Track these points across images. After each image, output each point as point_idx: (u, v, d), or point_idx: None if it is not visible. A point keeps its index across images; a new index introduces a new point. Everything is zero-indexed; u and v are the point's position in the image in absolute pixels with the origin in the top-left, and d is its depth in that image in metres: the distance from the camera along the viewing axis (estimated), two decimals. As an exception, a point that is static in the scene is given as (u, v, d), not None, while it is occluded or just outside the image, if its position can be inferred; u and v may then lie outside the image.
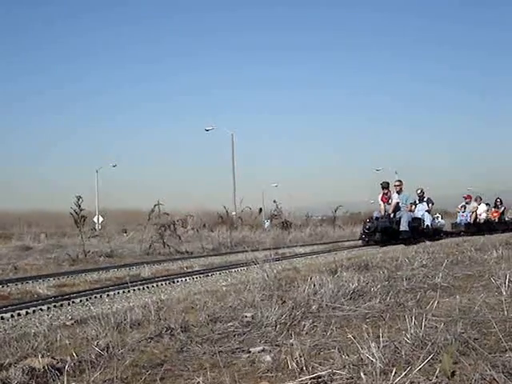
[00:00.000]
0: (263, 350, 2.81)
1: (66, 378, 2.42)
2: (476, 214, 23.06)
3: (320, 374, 2.27)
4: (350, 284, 4.42)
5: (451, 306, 3.60)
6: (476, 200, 23.96)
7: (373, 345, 2.44)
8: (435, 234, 19.09)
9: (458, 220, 23.32)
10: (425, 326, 2.79)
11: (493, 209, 24.72)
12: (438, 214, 22.22)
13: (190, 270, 8.73)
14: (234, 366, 2.61)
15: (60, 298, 5.74)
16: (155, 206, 15.69)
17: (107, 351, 2.89)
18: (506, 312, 3.27)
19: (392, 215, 16.58)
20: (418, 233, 17.29)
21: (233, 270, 8.34)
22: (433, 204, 20.14)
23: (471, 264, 6.23)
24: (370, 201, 33.47)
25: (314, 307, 3.80)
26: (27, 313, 4.84)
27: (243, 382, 2.36)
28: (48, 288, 6.98)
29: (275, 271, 5.76)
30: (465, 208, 23.12)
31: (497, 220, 24.14)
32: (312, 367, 2.39)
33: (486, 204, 24.38)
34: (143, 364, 2.70)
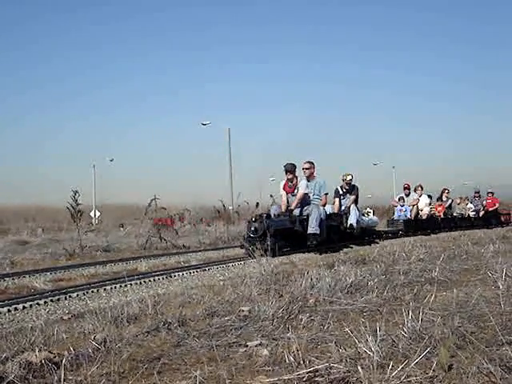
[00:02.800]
0: (260, 344, 2.81)
1: (63, 372, 2.41)
2: (417, 209, 17.75)
3: (317, 367, 2.27)
4: (347, 278, 4.43)
5: (448, 299, 3.61)
6: (416, 190, 18.44)
7: (370, 338, 2.44)
8: (364, 235, 13.78)
9: (395, 216, 17.82)
10: (422, 319, 2.80)
11: (436, 202, 20.11)
12: (368, 209, 17.60)
13: (187, 265, 8.74)
14: (231, 360, 2.61)
15: (57, 292, 5.73)
16: (152, 200, 15.64)
17: (104, 345, 2.89)
18: (502, 306, 3.28)
19: (298, 211, 10.99)
20: (339, 235, 12.24)
21: (230, 265, 8.33)
22: (357, 196, 13.99)
23: (468, 258, 6.25)
24: (367, 195, 33.45)
25: (311, 301, 3.81)
26: (24, 307, 4.83)
27: (240, 375, 2.36)
28: (45, 282, 6.98)
29: (272, 265, 5.77)
30: (404, 200, 17.77)
31: (442, 216, 19.38)
32: (309, 361, 2.40)
33: (428, 196, 19.17)
34: (140, 358, 2.69)
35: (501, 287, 3.85)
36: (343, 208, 13.44)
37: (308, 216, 10.69)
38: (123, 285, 5.92)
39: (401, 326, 2.79)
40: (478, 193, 23.05)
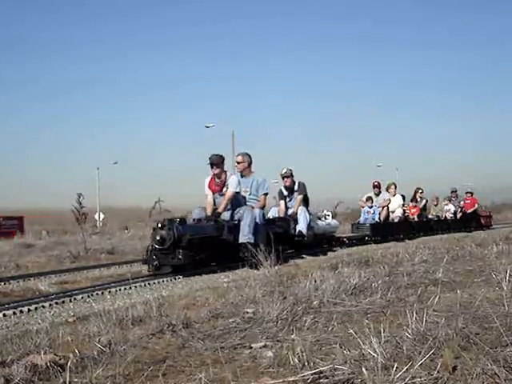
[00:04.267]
0: (265, 346, 2.82)
1: (68, 375, 2.42)
2: (388, 210, 15.06)
3: (321, 369, 2.27)
4: (351, 280, 4.43)
5: (452, 301, 3.60)
6: (389, 189, 15.87)
7: (374, 340, 2.44)
8: (318, 242, 11.48)
9: (361, 219, 15.07)
10: (426, 321, 2.80)
11: (410, 203, 17.43)
12: (326, 212, 13.79)
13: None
14: (235, 361, 2.62)
15: (62, 294, 5.74)
16: (156, 202, 15.69)
17: (109, 348, 2.90)
18: (506, 307, 3.27)
19: (228, 215, 8.68)
20: (285, 244, 9.67)
21: (234, 266, 8.32)
22: (305, 196, 11.25)
23: (472, 259, 6.24)
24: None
25: (315, 303, 3.81)
26: (29, 310, 4.85)
27: (245, 377, 2.36)
28: (50, 285, 6.99)
29: (276, 267, 5.77)
30: (372, 201, 14.98)
31: (416, 218, 16.86)
32: (313, 363, 2.40)
33: (402, 196, 16.57)
34: (145, 360, 2.70)
35: (505, 288, 3.84)
36: (290, 212, 10.82)
37: (240, 221, 8.32)
38: (128, 287, 5.93)
39: (405, 327, 2.79)
40: (455, 192, 20.35)
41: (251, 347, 2.82)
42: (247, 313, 3.56)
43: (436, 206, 19.04)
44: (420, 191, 18.10)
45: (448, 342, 2.50)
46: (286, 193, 11.20)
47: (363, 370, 2.18)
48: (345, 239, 12.84)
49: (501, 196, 48.03)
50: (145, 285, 6.43)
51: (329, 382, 2.19)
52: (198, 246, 7.63)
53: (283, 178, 11.13)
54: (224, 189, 8.60)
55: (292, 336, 2.89)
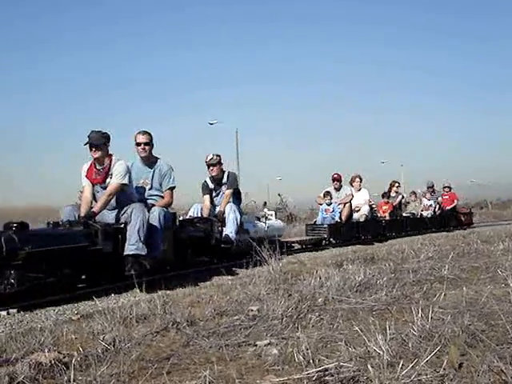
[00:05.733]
0: (269, 344, 2.81)
1: (72, 373, 2.42)
2: (350, 208, 12.48)
3: (327, 366, 2.26)
4: (356, 277, 4.42)
5: (458, 298, 3.59)
6: (353, 183, 13.49)
7: (380, 337, 2.43)
8: (246, 249, 7.95)
9: (318, 219, 12.56)
10: (432, 318, 2.79)
11: (381, 199, 15.17)
12: (267, 211, 11.60)
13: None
14: (240, 359, 2.61)
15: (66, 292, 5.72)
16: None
17: (113, 346, 2.89)
18: (513, 303, 3.26)
19: (112, 215, 6.18)
20: (206, 253, 7.70)
21: (238, 264, 8.30)
22: (236, 190, 8.89)
23: (477, 256, 6.22)
24: (373, 194, 33.10)
25: (320, 300, 3.80)
26: (33, 308, 4.84)
27: (250, 375, 2.36)
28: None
29: (280, 264, 5.76)
30: (331, 197, 12.38)
31: (387, 217, 14.31)
32: (319, 360, 2.39)
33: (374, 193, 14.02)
34: (149, 358, 2.70)
35: (511, 285, 3.82)
36: (217, 210, 8.42)
37: (126, 224, 5.86)
38: (131, 284, 5.90)
39: (410, 324, 2.78)
40: (432, 187, 17.87)
41: (256, 345, 2.81)
42: (252, 310, 3.56)
43: (414, 201, 17.18)
44: (396, 185, 15.99)
45: (454, 339, 2.49)
46: (212, 185, 8.66)
47: (369, 367, 2.17)
48: (294, 244, 10.69)
49: (506, 191, 47.83)
50: (149, 282, 6.42)
51: (334, 380, 2.18)
52: (49, 264, 5.15)
53: (208, 167, 8.52)
54: (108, 179, 6.19)
55: (297, 333, 2.88)
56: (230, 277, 6.60)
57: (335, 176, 12.64)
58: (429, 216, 16.41)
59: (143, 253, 5.80)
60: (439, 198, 17.64)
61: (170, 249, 6.53)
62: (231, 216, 8.12)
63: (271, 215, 10.91)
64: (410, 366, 2.16)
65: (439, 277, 4.63)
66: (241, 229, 8.47)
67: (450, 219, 17.46)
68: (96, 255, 5.56)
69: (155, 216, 6.16)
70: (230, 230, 8.00)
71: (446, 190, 18.44)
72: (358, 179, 13.48)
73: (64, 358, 2.67)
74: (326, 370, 2.25)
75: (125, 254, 5.74)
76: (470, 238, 9.08)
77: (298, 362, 2.42)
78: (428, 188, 17.74)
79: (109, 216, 6.15)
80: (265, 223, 9.80)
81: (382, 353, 2.31)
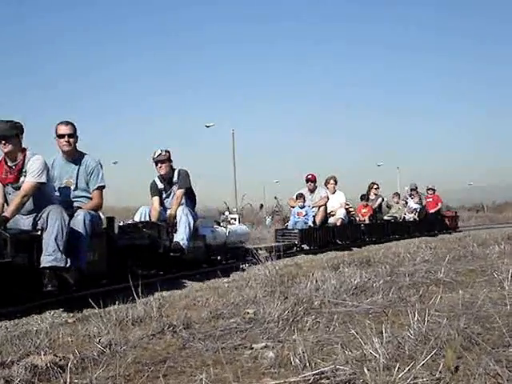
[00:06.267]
0: (266, 347, 2.81)
1: (68, 376, 2.41)
2: (325, 211, 11.52)
3: (323, 369, 2.27)
4: (352, 280, 4.42)
5: (454, 301, 3.59)
6: (328, 184, 12.46)
7: (376, 340, 2.43)
8: (214, 259, 8.10)
9: (289, 223, 11.43)
10: (428, 321, 2.79)
11: (361, 202, 14.33)
12: (229, 214, 10.36)
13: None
14: (236, 362, 2.61)
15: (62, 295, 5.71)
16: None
17: (109, 348, 2.89)
18: (508, 307, 3.27)
19: (30, 222, 5.14)
20: (151, 261, 6.73)
21: (234, 267, 8.30)
22: (189, 190, 7.68)
23: (473, 259, 6.23)
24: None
25: (316, 303, 3.80)
26: (29, 310, 4.82)
27: (246, 378, 2.35)
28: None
29: (277, 267, 5.76)
30: (304, 199, 11.33)
31: (367, 221, 13.42)
32: (315, 363, 2.39)
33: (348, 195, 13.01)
34: (146, 361, 2.69)
35: (507, 288, 3.84)
36: (167, 213, 7.27)
37: (43, 230, 4.94)
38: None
39: (407, 327, 2.78)
40: (415, 189, 16.85)
41: (252, 348, 2.81)
42: (248, 313, 3.55)
43: (397, 203, 16.05)
44: (375, 187, 14.80)
45: (450, 342, 2.49)
46: (161, 186, 7.60)
47: (365, 370, 2.17)
48: (261, 251, 9.11)
49: (502, 194, 48.04)
50: (145, 285, 6.41)
51: (330, 383, 2.18)
52: None
53: (156, 164, 7.48)
54: (21, 178, 5.26)
55: (293, 336, 2.88)
56: (226, 279, 6.60)
57: (309, 176, 11.75)
58: (411, 220, 15.67)
59: (63, 264, 4.82)
60: (423, 201, 16.87)
61: (101, 259, 5.54)
62: (183, 220, 7.01)
63: (234, 219, 9.63)
64: (407, 369, 2.16)
65: (435, 280, 4.64)
66: (195, 234, 7.35)
67: (434, 223, 16.68)
68: (3, 269, 4.52)
69: (79, 221, 5.20)
70: (181, 237, 6.88)
71: (430, 192, 17.49)
72: (332, 181, 12.58)
73: (60, 360, 2.66)
74: (323, 373, 2.25)
75: (41, 266, 4.80)
76: (465, 241, 9.10)
77: (295, 365, 2.42)
78: (411, 190, 16.83)
79: (24, 222, 5.20)
80: (226, 228, 8.57)
81: (378, 356, 2.31)
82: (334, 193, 12.33)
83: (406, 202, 16.39)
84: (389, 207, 15.81)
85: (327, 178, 12.66)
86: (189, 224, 6.99)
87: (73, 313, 4.62)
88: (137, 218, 7.23)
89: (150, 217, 7.23)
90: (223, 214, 10.46)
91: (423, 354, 2.33)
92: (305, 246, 10.72)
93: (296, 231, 10.63)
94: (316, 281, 4.48)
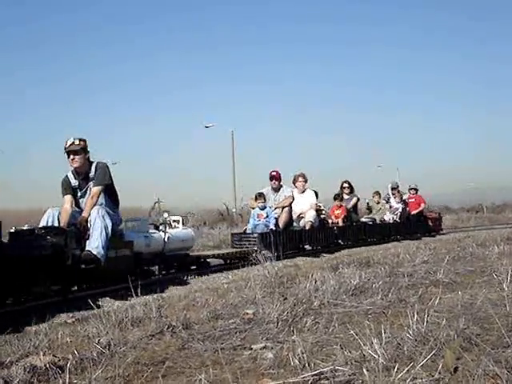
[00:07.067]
0: (265, 347, 2.81)
1: (67, 376, 2.42)
2: (290, 213, 10.26)
3: (322, 370, 2.26)
4: (352, 280, 4.42)
5: (453, 301, 3.59)
6: (296, 182, 11.23)
7: (375, 341, 2.43)
8: (126, 269, 6.11)
9: (249, 226, 10.01)
10: (427, 321, 2.79)
11: (334, 202, 12.72)
12: (167, 215, 8.12)
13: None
14: (235, 363, 2.61)
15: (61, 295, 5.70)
16: (155, 203, 15.67)
17: (109, 349, 2.89)
18: (508, 307, 3.27)
19: None
20: (55, 275, 5.11)
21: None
22: (106, 184, 6.24)
23: (473, 260, 6.23)
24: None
25: (315, 304, 3.80)
26: (28, 310, 4.83)
27: (245, 379, 2.35)
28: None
29: (276, 268, 5.76)
30: (265, 199, 9.93)
31: (340, 223, 12.09)
32: (314, 364, 2.39)
33: (314, 192, 11.41)
34: (145, 361, 2.69)
35: (506, 289, 3.83)
36: (80, 217, 5.93)
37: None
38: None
39: (406, 328, 2.78)
40: (397, 189, 15.51)
41: (251, 348, 2.80)
42: (247, 314, 3.55)
43: (378, 204, 14.70)
44: (346, 185, 13.43)
45: (449, 342, 2.49)
46: (75, 182, 6.31)
47: (364, 371, 2.17)
48: (211, 260, 8.30)
49: (501, 195, 48.03)
50: (144, 285, 6.40)
51: (329, 383, 2.18)
52: None
53: (68, 156, 6.18)
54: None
55: (292, 337, 2.87)
56: (225, 280, 6.60)
57: (273, 173, 10.39)
58: (391, 221, 14.36)
59: None
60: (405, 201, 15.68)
61: None
62: (97, 223, 5.70)
63: (177, 222, 7.99)
64: (406, 369, 2.16)
65: (434, 281, 4.64)
66: (119, 241, 6.21)
67: (416, 225, 15.50)
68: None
69: None
70: (95, 244, 5.62)
71: (412, 192, 16.30)
72: (301, 178, 11.20)
73: (59, 361, 2.66)
74: (322, 373, 2.25)
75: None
76: (465, 242, 9.10)
77: (294, 366, 2.41)
78: (393, 189, 15.42)
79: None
80: (164, 232, 7.17)
81: (377, 356, 2.31)
82: (303, 192, 11.11)
83: (387, 202, 15.15)
84: (369, 209, 14.88)
85: (295, 176, 11.31)
86: (105, 228, 5.72)
87: (72, 313, 4.61)
88: (43, 223, 5.78)
89: (59, 220, 5.83)
90: (162, 215, 8.83)
91: (422, 354, 2.33)
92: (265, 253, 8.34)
93: (255, 236, 9.19)
94: (315, 281, 4.48)
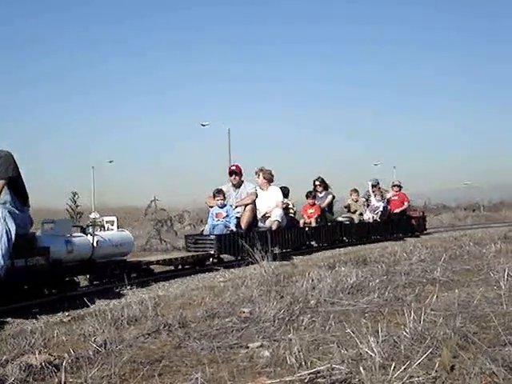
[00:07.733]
0: (261, 346, 2.80)
1: (63, 375, 2.40)
2: (253, 211, 9.05)
3: (319, 369, 2.26)
4: (349, 279, 4.42)
5: (450, 300, 3.59)
6: (261, 177, 10.15)
7: (372, 339, 2.43)
8: (39, 280, 5.07)
9: (206, 227, 8.82)
10: (424, 320, 2.79)
11: (307, 201, 11.50)
12: (97, 216, 7.24)
13: (187, 266, 8.41)
14: (232, 361, 2.60)
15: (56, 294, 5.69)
16: (152, 201, 15.61)
17: (105, 347, 2.88)
18: (504, 306, 3.27)
19: None
20: None
21: (229, 265, 8.24)
22: (12, 178, 4.85)
23: (470, 258, 6.24)
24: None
25: (312, 302, 3.79)
26: (24, 309, 4.81)
27: (242, 377, 2.35)
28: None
29: (273, 266, 5.75)
30: (224, 197, 8.77)
31: (313, 223, 10.99)
32: (311, 362, 2.38)
33: (283, 189, 10.57)
34: (141, 360, 2.68)
35: (503, 287, 3.84)
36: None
37: None
38: (123, 286, 5.84)
39: (402, 326, 2.77)
40: (377, 186, 14.24)
41: (248, 347, 2.80)
42: (244, 312, 3.55)
43: (357, 202, 13.52)
44: (317, 183, 12.22)
45: (446, 341, 2.49)
46: None
47: (361, 369, 2.17)
48: (154, 267, 7.13)
49: (498, 193, 48.05)
50: (140, 284, 6.38)
51: (326, 382, 2.17)
52: None
53: None
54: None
55: (289, 335, 2.87)
56: (221, 278, 6.58)
57: (232, 168, 9.30)
58: (371, 221, 13.22)
59: None
60: (386, 199, 14.39)
61: None
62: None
63: (111, 223, 6.73)
64: (402, 368, 2.15)
65: (431, 279, 4.64)
66: (29, 247, 4.99)
67: (399, 225, 14.17)
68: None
69: None
70: None
71: (396, 189, 14.99)
72: (265, 173, 10.16)
73: (55, 359, 2.65)
74: (318, 372, 2.24)
75: None
76: (462, 241, 9.10)
77: (290, 364, 2.41)
78: (373, 186, 14.09)
79: None
80: (92, 236, 5.96)
81: (374, 355, 2.30)
82: (267, 189, 10.06)
83: (367, 200, 13.98)
84: (347, 207, 13.77)
85: (256, 171, 10.17)
86: (7, 232, 4.53)
87: (68, 312, 4.59)
88: None
89: None
90: (89, 215, 7.43)
91: (419, 353, 2.32)
92: (226, 256, 8.16)
93: (212, 238, 8.07)
94: (312, 280, 4.47)
